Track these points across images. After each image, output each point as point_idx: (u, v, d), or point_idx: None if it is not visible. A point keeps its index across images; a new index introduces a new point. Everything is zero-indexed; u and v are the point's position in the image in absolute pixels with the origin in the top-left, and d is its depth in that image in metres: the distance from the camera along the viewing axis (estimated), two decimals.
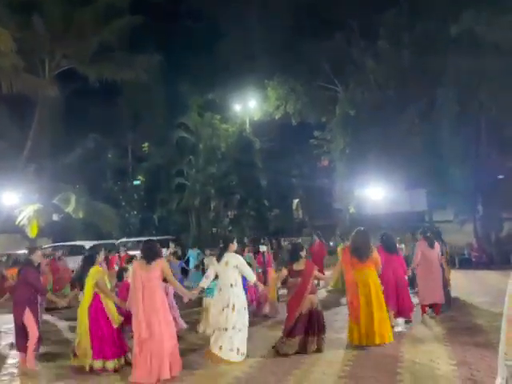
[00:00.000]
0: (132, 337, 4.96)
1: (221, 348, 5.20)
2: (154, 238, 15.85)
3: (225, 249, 5.55)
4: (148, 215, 23.39)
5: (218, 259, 5.51)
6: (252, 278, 5.67)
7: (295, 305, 5.53)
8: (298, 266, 5.72)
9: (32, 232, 15.75)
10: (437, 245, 7.65)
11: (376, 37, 19.27)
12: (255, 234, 19.43)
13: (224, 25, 22.98)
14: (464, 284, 11.59)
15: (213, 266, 5.57)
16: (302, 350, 5.45)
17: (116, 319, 5.20)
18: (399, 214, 18.81)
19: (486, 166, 17.18)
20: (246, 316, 5.46)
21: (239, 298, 5.37)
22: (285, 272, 5.82)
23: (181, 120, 22.27)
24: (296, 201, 28.07)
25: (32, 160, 17.06)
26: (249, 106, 23.27)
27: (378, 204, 19.29)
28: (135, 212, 23.92)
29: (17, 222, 15.59)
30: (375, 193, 19.20)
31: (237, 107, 23.42)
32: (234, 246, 5.66)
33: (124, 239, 18.16)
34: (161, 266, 4.95)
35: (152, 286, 4.83)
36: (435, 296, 7.33)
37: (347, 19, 19.94)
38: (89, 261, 5.52)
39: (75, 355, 5.31)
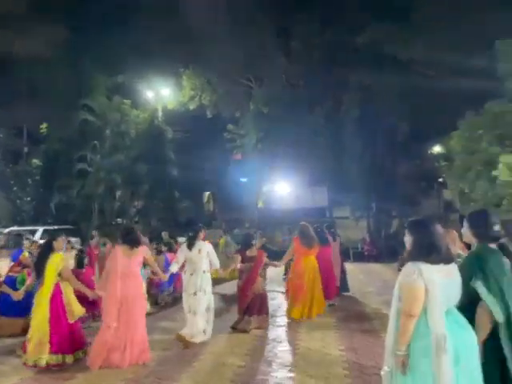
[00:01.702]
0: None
1: (202, 332, 5.61)
2: (51, 228, 14.75)
3: (195, 237, 5.90)
4: (44, 202, 21.43)
5: (189, 247, 5.83)
6: (217, 265, 6.09)
7: (248, 287, 6.22)
8: (251, 252, 6.42)
9: None
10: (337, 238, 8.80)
11: (290, 36, 19.96)
12: (163, 225, 18.99)
13: (139, 3, 21.82)
14: (356, 275, 12.60)
15: (182, 253, 5.87)
16: (244, 328, 6.08)
17: (75, 312, 4.85)
18: (303, 209, 19.82)
19: (380, 169, 18.91)
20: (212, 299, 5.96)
21: (209, 283, 5.85)
22: (238, 258, 6.41)
23: (85, 101, 20.68)
24: (207, 193, 28.01)
25: None
26: (162, 93, 22.54)
27: (284, 199, 20.11)
28: (29, 198, 21.77)
29: None
30: (282, 188, 20.00)
31: (149, 93, 22.54)
32: (204, 234, 6.06)
33: (14, 228, 16.46)
34: (143, 252, 5.03)
35: (132, 272, 4.85)
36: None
37: (263, 16, 20.28)
38: (46, 247, 5.02)
39: (25, 351, 4.74)
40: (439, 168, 17.58)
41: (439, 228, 2.48)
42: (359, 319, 6.89)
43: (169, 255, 8.69)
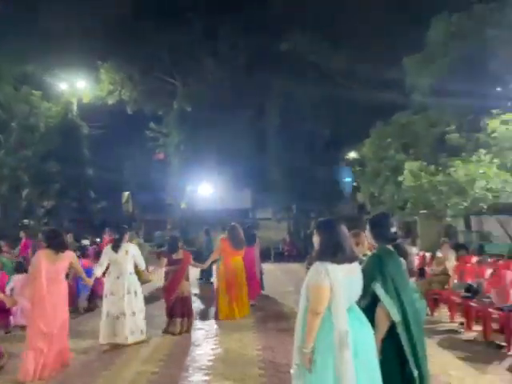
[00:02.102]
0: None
1: (132, 333, 5.56)
2: None
3: (121, 239, 5.87)
4: None
5: (115, 249, 5.77)
6: (143, 266, 6.06)
7: (173, 289, 6.28)
8: (177, 255, 6.43)
9: None
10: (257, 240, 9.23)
11: (217, 36, 19.91)
12: (77, 227, 17.76)
13: None
14: (276, 275, 12.89)
15: (107, 255, 5.77)
16: (172, 330, 6.12)
17: None
18: (226, 211, 19.87)
19: (300, 172, 19.62)
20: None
21: (137, 284, 5.84)
22: (164, 260, 6.41)
23: None
24: (126, 193, 26.83)
25: None
26: (77, 86, 21.09)
27: (207, 200, 19.99)
28: None
29: None
30: (206, 189, 19.86)
31: (62, 85, 20.95)
32: (128, 236, 6.09)
33: None
34: (70, 257, 4.88)
35: (58, 278, 4.72)
36: None
37: (191, 12, 19.98)
38: None
39: None
40: (354, 173, 18.72)
41: (344, 229, 2.59)
42: (277, 318, 7.03)
43: (84, 261, 8.18)
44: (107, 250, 5.85)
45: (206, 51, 20.31)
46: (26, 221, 19.15)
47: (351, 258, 2.53)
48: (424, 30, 10.23)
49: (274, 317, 7.16)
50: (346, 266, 2.47)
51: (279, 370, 4.50)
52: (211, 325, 6.72)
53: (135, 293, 5.72)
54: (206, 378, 4.43)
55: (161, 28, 19.32)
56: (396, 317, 2.58)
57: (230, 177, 20.02)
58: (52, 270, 4.62)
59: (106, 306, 5.64)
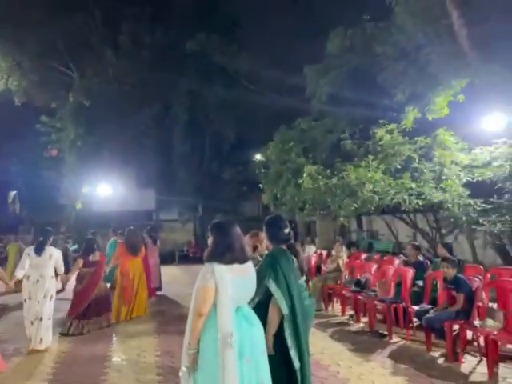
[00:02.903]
0: None
1: (41, 340, 5.43)
2: None
3: (45, 242, 5.79)
4: None
5: (38, 252, 5.64)
6: (62, 271, 5.97)
7: (91, 290, 6.38)
8: (94, 257, 6.54)
9: None
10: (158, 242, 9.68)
11: (119, 29, 18.92)
12: None
13: None
14: (180, 278, 12.66)
15: (29, 258, 5.62)
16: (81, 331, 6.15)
17: None
18: (128, 212, 18.98)
19: (207, 173, 19.58)
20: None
21: (54, 289, 5.77)
22: (81, 262, 6.42)
23: None
24: (13, 193, 24.16)
25: None
26: None
27: (107, 201, 18.87)
28: None
29: None
30: (105, 190, 18.72)
31: None
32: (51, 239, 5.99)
33: None
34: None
35: None
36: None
37: (90, 1, 18.69)
38: None
39: None
40: (259, 174, 19.21)
41: (237, 230, 2.64)
42: (179, 322, 6.84)
43: None
44: (29, 252, 5.70)
45: (107, 44, 19.16)
46: None
47: (242, 259, 2.56)
48: (327, 41, 10.89)
49: (175, 320, 6.99)
50: (235, 267, 2.50)
51: (177, 375, 4.35)
52: (105, 333, 6.32)
53: (51, 297, 5.64)
54: None
55: (56, 13, 17.73)
56: (285, 310, 2.71)
57: (133, 176, 19.16)
58: None
59: (25, 311, 5.54)
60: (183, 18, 18.71)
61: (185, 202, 20.64)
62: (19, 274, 5.56)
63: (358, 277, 7.12)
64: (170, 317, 7.34)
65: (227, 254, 2.49)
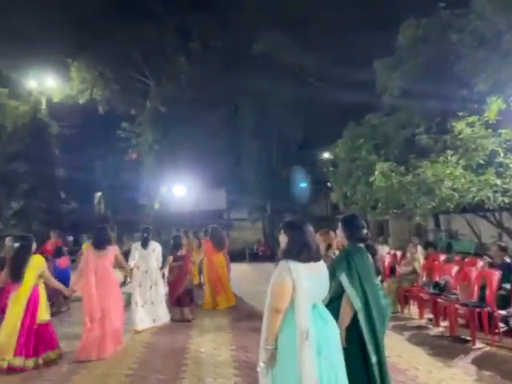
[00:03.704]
0: None
1: (154, 320, 6.50)
2: None
3: (148, 238, 6.75)
4: None
5: (144, 246, 6.63)
6: (160, 263, 6.90)
7: (181, 281, 7.11)
8: (181, 252, 7.35)
9: None
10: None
11: (191, 36, 19.76)
12: (47, 228, 17.23)
13: None
14: (251, 276, 12.93)
15: (137, 251, 6.58)
16: (181, 318, 6.95)
17: (41, 316, 4.86)
18: (201, 212, 19.75)
19: (275, 172, 19.72)
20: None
21: (160, 277, 6.83)
22: (171, 258, 7.23)
23: None
24: (98, 194, 26.26)
25: None
26: (47, 84, 20.48)
27: (182, 201, 19.79)
28: None
29: None
30: (180, 190, 19.66)
31: (31, 83, 20.30)
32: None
33: None
34: (114, 252, 5.58)
35: (105, 269, 5.36)
36: None
37: (164, 12, 19.76)
38: (25, 250, 5.04)
39: None
40: (327, 173, 18.96)
41: (310, 229, 2.66)
42: (251, 318, 7.03)
43: (58, 260, 8.45)
44: (137, 246, 6.68)
45: (179, 51, 20.13)
46: None
47: (317, 257, 2.59)
48: (396, 33, 10.47)
49: (248, 317, 7.18)
50: (311, 265, 2.53)
51: (254, 370, 4.48)
52: (184, 326, 6.67)
53: (160, 284, 6.68)
54: (179, 379, 4.39)
55: (133, 26, 19.00)
56: (357, 304, 2.74)
57: (204, 177, 19.91)
58: (99, 262, 5.33)
59: (138, 296, 6.46)
60: (249, 19, 19.04)
61: (254, 202, 21.01)
62: (131, 263, 6.43)
63: (437, 279, 6.77)
64: (242, 313, 7.55)
65: (304, 252, 2.52)
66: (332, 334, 2.54)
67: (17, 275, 4.86)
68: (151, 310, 6.52)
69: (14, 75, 19.62)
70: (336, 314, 2.69)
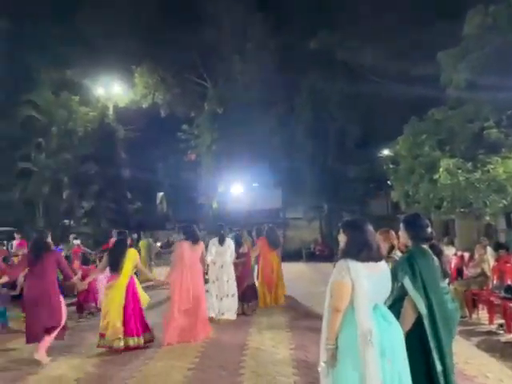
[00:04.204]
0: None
1: (231, 311, 6.90)
2: None
3: (224, 235, 7.17)
4: None
5: (221, 242, 7.02)
6: (233, 257, 7.28)
7: (245, 277, 7.51)
8: (243, 250, 7.67)
9: None
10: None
11: (245, 37, 20.02)
12: (114, 227, 18.34)
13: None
14: (308, 275, 12.84)
15: (214, 246, 7.00)
16: (242, 312, 7.30)
17: (143, 300, 5.72)
18: (257, 211, 19.94)
19: (331, 171, 19.40)
20: None
21: (233, 272, 7.16)
22: (234, 255, 7.44)
23: (29, 97, 19.51)
24: (160, 194, 27.46)
25: None
26: (113, 90, 21.79)
27: (239, 200, 20.12)
28: None
29: None
30: (237, 189, 20.00)
31: (99, 90, 21.70)
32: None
33: None
34: (202, 247, 6.12)
35: (196, 263, 5.90)
36: None
37: (219, 15, 20.20)
38: (123, 244, 5.68)
39: (102, 336, 5.29)
40: (387, 171, 18.38)
41: (371, 228, 2.62)
42: (309, 318, 7.02)
43: None
44: (214, 242, 7.06)
45: (235, 52, 20.48)
46: (66, 221, 19.99)
47: (378, 257, 2.55)
48: (458, 23, 9.91)
49: (306, 316, 7.16)
50: (371, 265, 2.49)
51: (313, 370, 4.48)
52: (243, 323, 6.79)
53: (232, 279, 7.03)
54: (239, 375, 4.49)
55: (190, 30, 19.66)
56: (422, 309, 2.65)
57: (261, 176, 20.10)
58: (191, 256, 5.79)
59: (215, 289, 6.91)
60: (304, 18, 18.91)
61: (310, 201, 20.83)
62: (208, 259, 6.78)
63: (509, 282, 6.32)
64: (299, 313, 7.53)
65: (364, 251, 2.49)
66: (396, 336, 2.49)
67: (116, 266, 5.44)
68: (228, 302, 6.93)
69: (85, 82, 21.09)
70: (398, 317, 2.62)
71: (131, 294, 5.43)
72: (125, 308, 5.32)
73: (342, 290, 2.43)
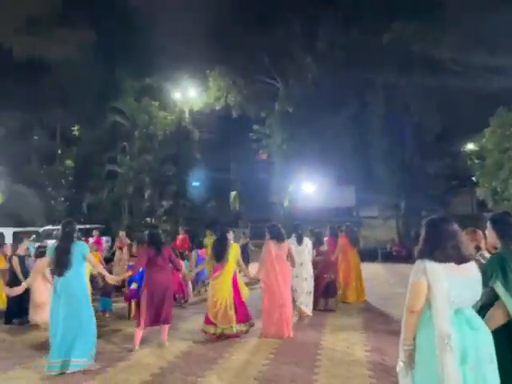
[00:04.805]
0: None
1: (308, 307, 7.06)
2: (83, 227, 15.25)
3: (302, 234, 7.33)
4: (76, 202, 22.15)
5: (299, 242, 7.16)
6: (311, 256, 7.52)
7: (325, 274, 7.74)
8: (323, 247, 8.00)
9: None
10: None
11: (316, 35, 19.80)
12: (191, 225, 19.25)
13: (165, 8, 22.25)
14: (384, 276, 12.39)
15: (294, 246, 6.98)
16: (325, 308, 7.61)
17: (245, 293, 6.12)
18: (329, 209, 19.66)
19: (409, 167, 18.48)
20: None
21: (311, 270, 7.33)
22: (315, 252, 7.74)
23: (115, 104, 21.22)
24: (233, 193, 28.18)
25: None
26: (189, 94, 22.85)
27: (310, 198, 19.99)
28: (62, 198, 22.54)
29: None
30: (308, 188, 19.88)
31: (176, 95, 22.88)
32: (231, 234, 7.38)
33: (49, 227, 17.05)
34: (288, 245, 6.32)
35: (283, 260, 6.15)
36: None
37: (289, 14, 20.23)
38: (225, 237, 6.10)
39: (213, 324, 5.76)
40: (472, 166, 17.09)
41: (453, 227, 2.48)
42: (386, 320, 6.80)
43: (200, 251, 9.49)
44: (293, 241, 7.13)
45: (305, 51, 20.36)
46: (148, 219, 21.37)
47: (458, 258, 2.40)
48: None
49: (382, 318, 6.95)
50: (452, 266, 2.37)
51: (390, 373, 4.34)
52: (317, 323, 6.76)
53: (311, 276, 7.23)
54: (314, 373, 4.49)
55: (260, 31, 19.92)
56: None
57: (333, 174, 19.78)
58: (278, 254, 6.07)
59: (294, 286, 6.97)
60: (377, 10, 18.24)
61: (385, 199, 20.06)
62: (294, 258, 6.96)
63: None
64: (374, 314, 7.32)
65: (436, 251, 2.40)
66: (483, 343, 2.34)
67: (221, 257, 5.90)
68: (305, 298, 7.12)
69: (163, 88, 22.39)
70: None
71: (236, 286, 5.91)
72: (234, 298, 5.81)
73: (416, 291, 2.38)
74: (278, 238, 6.19)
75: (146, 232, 5.97)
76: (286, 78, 21.05)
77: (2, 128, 18.10)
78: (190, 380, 4.37)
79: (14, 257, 7.00)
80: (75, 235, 4.96)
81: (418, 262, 2.44)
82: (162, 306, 5.41)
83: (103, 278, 6.09)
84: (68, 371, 4.51)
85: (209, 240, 14.19)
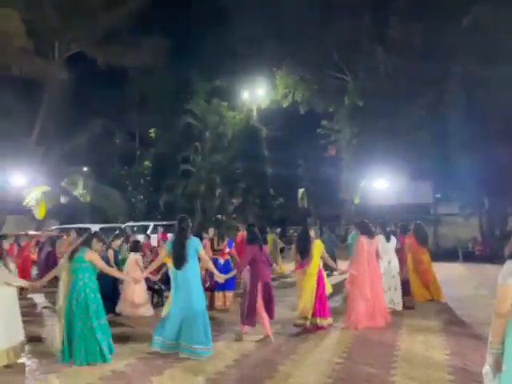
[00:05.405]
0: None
1: (393, 303, 7.21)
2: (160, 223, 16.19)
3: (390, 232, 7.53)
4: (154, 200, 23.58)
5: (387, 239, 7.30)
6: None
7: (400, 272, 7.60)
8: (397, 246, 7.69)
9: (40, 214, 16.00)
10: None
11: (387, 25, 18.97)
12: (259, 222, 19.54)
13: (232, 10, 22.70)
14: (465, 277, 11.63)
15: (381, 244, 7.08)
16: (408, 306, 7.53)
17: (329, 288, 6.26)
18: (404, 206, 18.79)
19: (493, 161, 17.00)
20: None
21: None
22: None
23: (188, 106, 22.21)
24: (301, 190, 28.08)
25: (41, 142, 17.21)
26: (256, 93, 23.17)
27: (383, 195, 19.26)
28: (141, 197, 24.12)
29: (25, 203, 15.82)
30: (381, 184, 19.17)
31: (244, 94, 23.32)
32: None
33: (130, 223, 18.35)
34: (377, 241, 6.61)
35: (373, 255, 6.41)
36: None
37: (358, 5, 19.60)
38: (306, 233, 6.29)
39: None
40: None
41: None
42: (468, 323, 6.40)
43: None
44: (382, 239, 7.20)
45: (376, 42, 19.60)
46: (219, 216, 22.11)
47: None
48: None
49: (463, 321, 6.55)
50: None
51: (472, 379, 4.10)
52: (393, 324, 6.52)
53: (397, 274, 7.34)
54: (390, 375, 4.36)
55: (328, 25, 19.51)
56: None
57: (407, 169, 18.85)
58: (369, 249, 6.30)
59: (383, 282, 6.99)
60: None
61: (467, 195, 18.69)
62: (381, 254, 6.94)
63: None
64: (454, 316, 6.92)
65: None
66: None
67: (306, 253, 6.08)
68: (393, 295, 7.23)
69: (232, 89, 22.97)
70: None
71: (320, 281, 6.07)
72: (317, 293, 5.98)
73: (503, 293, 2.28)
74: (369, 233, 6.39)
75: (245, 228, 6.45)
76: (356, 71, 20.44)
77: (87, 132, 19.77)
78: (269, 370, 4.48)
79: (109, 250, 7.62)
80: (189, 230, 5.25)
81: (508, 263, 2.32)
82: (271, 301, 5.76)
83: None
84: (183, 355, 4.90)
85: (269, 237, 14.31)
